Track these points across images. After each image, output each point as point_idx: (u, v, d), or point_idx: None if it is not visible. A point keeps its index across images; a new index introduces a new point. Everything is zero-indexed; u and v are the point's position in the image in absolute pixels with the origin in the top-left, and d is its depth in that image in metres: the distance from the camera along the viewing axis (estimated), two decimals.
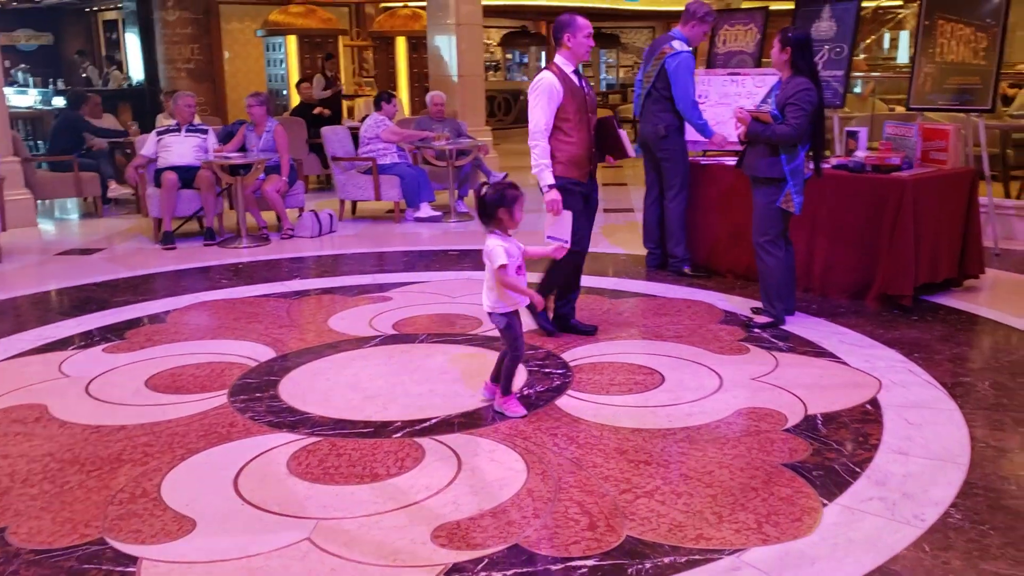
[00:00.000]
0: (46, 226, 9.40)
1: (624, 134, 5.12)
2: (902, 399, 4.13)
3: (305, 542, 2.97)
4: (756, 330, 5.22)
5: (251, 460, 3.60)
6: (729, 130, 6.85)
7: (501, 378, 4.05)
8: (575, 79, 4.93)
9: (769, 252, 5.23)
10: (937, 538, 2.93)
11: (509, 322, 4.01)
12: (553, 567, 2.79)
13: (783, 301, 5.31)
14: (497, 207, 3.94)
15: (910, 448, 3.62)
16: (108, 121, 10.93)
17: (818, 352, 4.83)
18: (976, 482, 3.32)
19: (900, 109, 10.85)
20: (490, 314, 4.05)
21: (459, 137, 9.69)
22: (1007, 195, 8.80)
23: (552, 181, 4.86)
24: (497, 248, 3.92)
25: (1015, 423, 3.87)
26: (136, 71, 15.80)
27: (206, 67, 14.81)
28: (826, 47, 7.30)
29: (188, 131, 8.37)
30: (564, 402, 4.16)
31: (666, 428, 3.87)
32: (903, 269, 5.49)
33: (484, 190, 4.01)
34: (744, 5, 16.24)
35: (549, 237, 4.75)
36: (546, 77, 4.84)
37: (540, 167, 4.87)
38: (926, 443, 3.66)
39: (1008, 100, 11.69)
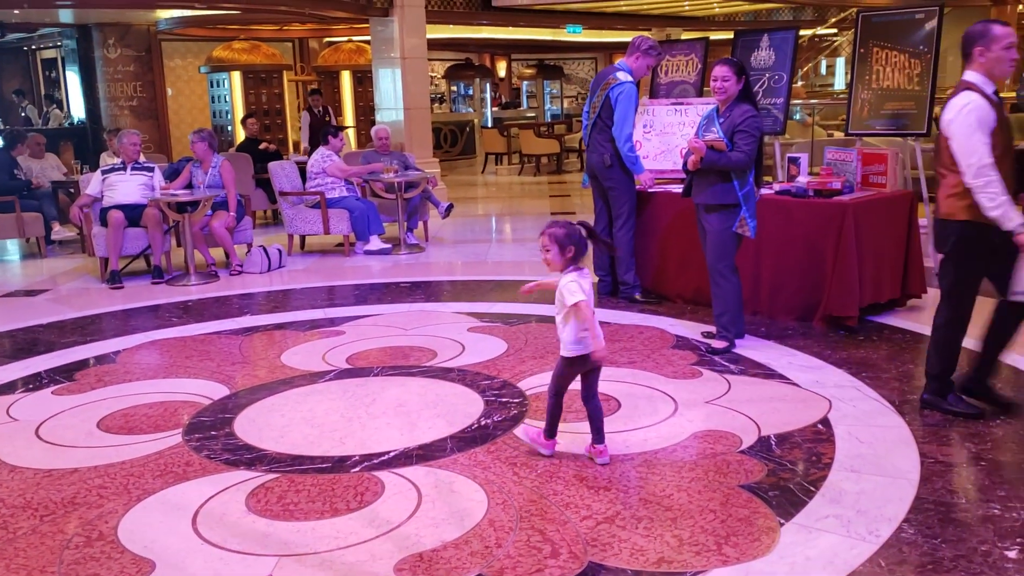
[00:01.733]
0: None
1: None
2: (852, 418, 4.22)
3: None
4: (712, 355, 5.29)
5: (209, 499, 3.57)
6: (675, 159, 6.98)
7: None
8: (996, 100, 4.04)
9: (726, 277, 5.33)
10: (892, 553, 3.00)
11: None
12: None
13: (736, 325, 5.40)
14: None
15: (862, 466, 3.69)
16: (51, 160, 10.78)
17: (769, 374, 4.91)
18: (927, 497, 3.41)
19: (838, 134, 11.10)
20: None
21: (407, 169, 9.72)
22: None
23: (1022, 219, 3.92)
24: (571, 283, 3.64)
25: (961, 438, 3.97)
26: (77, 110, 15.62)
27: (149, 104, 14.72)
28: (766, 75, 7.48)
29: (134, 169, 8.29)
30: (522, 431, 4.18)
31: (624, 453, 3.90)
32: (848, 290, 5.61)
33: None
34: (684, 36, 16.59)
35: (1018, 293, 4.04)
36: (973, 101, 3.95)
37: (1001, 206, 3.89)
38: (877, 460, 3.74)
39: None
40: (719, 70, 5.19)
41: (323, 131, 9.73)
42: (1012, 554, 2.97)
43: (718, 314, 5.43)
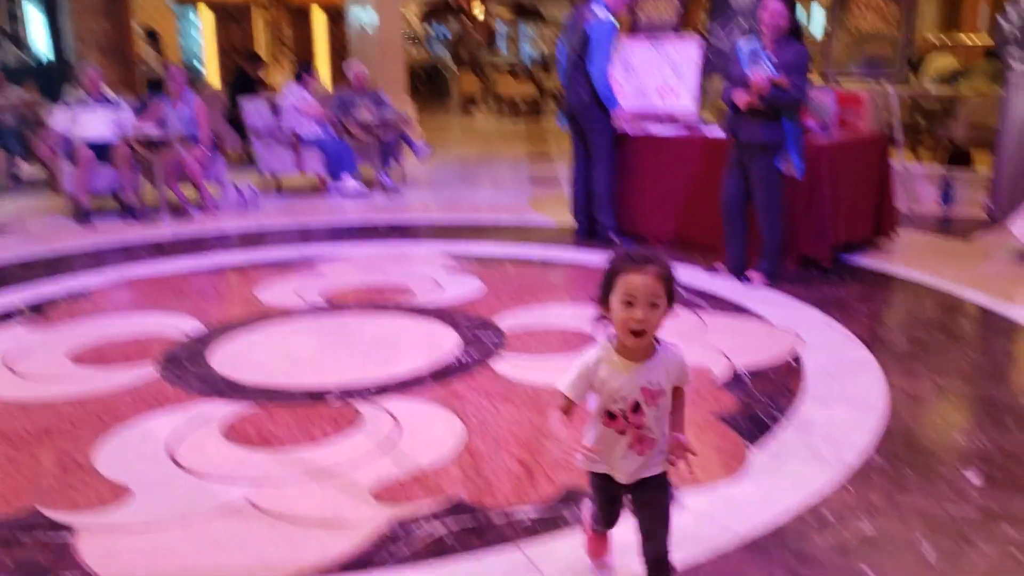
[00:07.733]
0: None
1: None
2: (823, 353, 4.28)
3: (245, 505, 2.97)
4: (754, 285, 5.41)
5: (186, 429, 3.58)
6: (653, 99, 6.96)
7: None
8: None
9: (775, 216, 5.35)
10: (859, 477, 3.07)
11: None
12: (495, 518, 2.85)
13: (774, 264, 5.46)
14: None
15: (831, 398, 3.76)
16: (14, 94, 10.58)
17: (742, 311, 4.96)
18: (894, 427, 3.48)
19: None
20: None
21: (382, 109, 9.63)
22: (916, 160, 9.11)
23: None
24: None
25: (929, 372, 4.05)
26: (41, 46, 15.29)
27: (117, 42, 14.42)
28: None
29: (100, 104, 8.15)
30: (499, 365, 4.21)
31: None
32: (821, 231, 5.66)
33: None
34: None
35: None
36: None
37: None
38: (846, 393, 3.81)
39: (914, 65, 12.04)
40: (775, 6, 5.15)
41: (296, 70, 9.61)
42: (974, 479, 3.04)
43: (763, 252, 5.47)
